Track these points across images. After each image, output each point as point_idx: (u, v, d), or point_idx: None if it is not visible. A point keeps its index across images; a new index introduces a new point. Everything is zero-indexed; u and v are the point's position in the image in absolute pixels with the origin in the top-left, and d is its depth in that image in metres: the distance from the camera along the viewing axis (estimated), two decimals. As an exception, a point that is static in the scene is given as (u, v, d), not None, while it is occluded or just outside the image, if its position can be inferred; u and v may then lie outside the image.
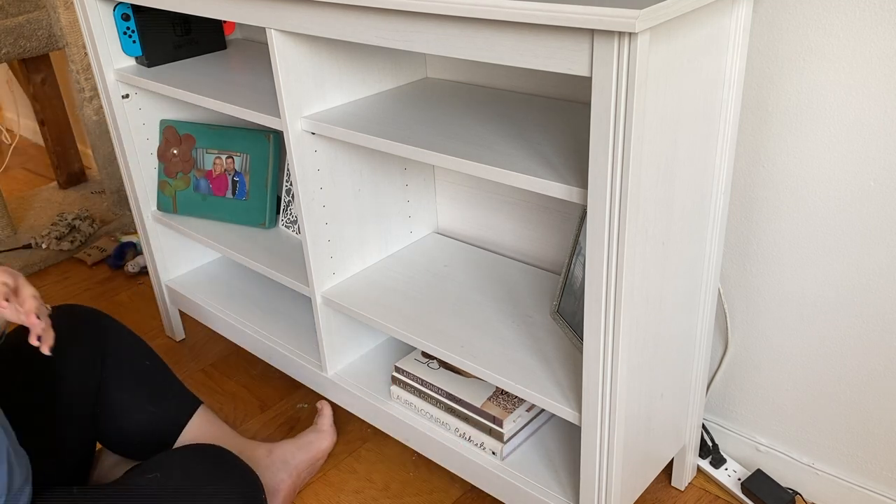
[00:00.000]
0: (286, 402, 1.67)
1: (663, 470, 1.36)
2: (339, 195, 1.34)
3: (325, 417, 1.50)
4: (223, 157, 1.63)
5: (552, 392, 1.09)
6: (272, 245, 1.55)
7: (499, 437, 1.22)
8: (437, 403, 1.30)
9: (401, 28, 0.97)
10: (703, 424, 1.35)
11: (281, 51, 1.17)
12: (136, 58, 1.61)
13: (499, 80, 1.30)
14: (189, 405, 1.36)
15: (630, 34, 0.77)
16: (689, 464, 1.34)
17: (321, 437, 1.47)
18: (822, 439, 1.27)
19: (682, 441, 1.29)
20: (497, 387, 1.27)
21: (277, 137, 1.58)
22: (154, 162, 1.71)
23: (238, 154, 1.61)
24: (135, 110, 1.64)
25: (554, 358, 1.16)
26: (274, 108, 1.28)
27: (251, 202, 1.61)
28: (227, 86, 1.43)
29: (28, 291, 1.08)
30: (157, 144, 1.70)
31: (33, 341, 1.07)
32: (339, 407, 1.61)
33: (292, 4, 1.10)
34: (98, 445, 1.34)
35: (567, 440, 1.26)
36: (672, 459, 1.33)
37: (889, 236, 1.08)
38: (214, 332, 1.90)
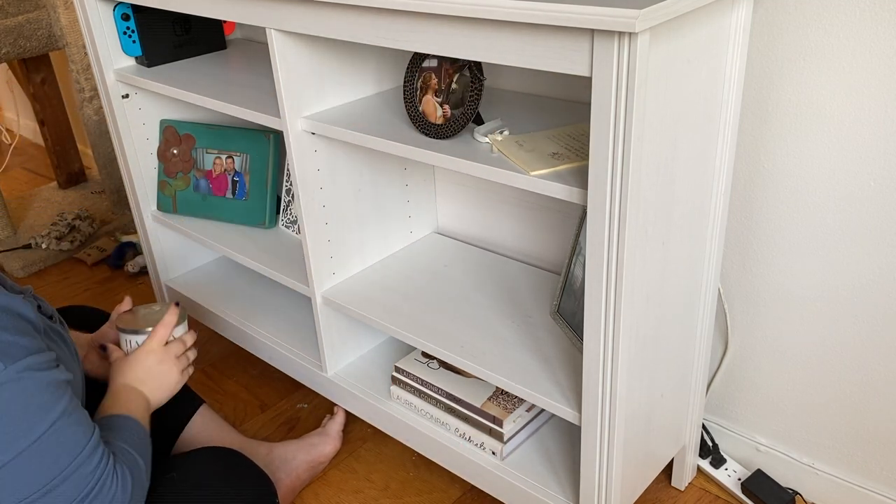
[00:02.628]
0: (286, 402, 1.67)
1: (663, 470, 1.36)
2: (339, 195, 1.34)
3: (336, 423, 1.50)
4: (223, 157, 1.62)
5: (552, 392, 1.09)
6: (272, 245, 1.55)
7: (499, 437, 1.22)
8: (437, 403, 1.30)
9: (401, 28, 0.97)
10: (703, 424, 1.35)
11: (281, 51, 1.17)
12: (136, 58, 1.61)
13: (499, 80, 1.30)
14: (190, 404, 1.36)
15: (630, 34, 0.77)
16: (689, 464, 1.34)
17: (325, 440, 1.46)
18: (822, 439, 1.27)
19: (682, 441, 1.29)
20: (497, 387, 1.27)
21: (277, 137, 1.57)
22: (154, 162, 1.71)
23: (238, 154, 1.61)
24: (135, 110, 1.64)
25: (554, 358, 1.16)
26: (274, 108, 1.28)
27: (251, 202, 1.61)
28: (227, 86, 1.43)
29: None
30: (157, 144, 1.70)
31: None
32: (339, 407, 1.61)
33: (292, 4, 1.10)
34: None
35: (567, 440, 1.26)
36: (672, 459, 1.33)
37: (889, 236, 1.08)
38: (214, 332, 1.90)
